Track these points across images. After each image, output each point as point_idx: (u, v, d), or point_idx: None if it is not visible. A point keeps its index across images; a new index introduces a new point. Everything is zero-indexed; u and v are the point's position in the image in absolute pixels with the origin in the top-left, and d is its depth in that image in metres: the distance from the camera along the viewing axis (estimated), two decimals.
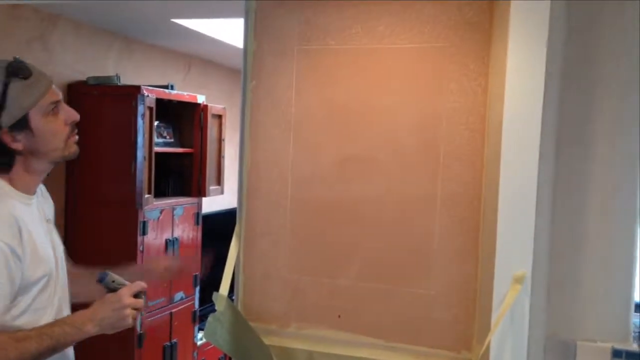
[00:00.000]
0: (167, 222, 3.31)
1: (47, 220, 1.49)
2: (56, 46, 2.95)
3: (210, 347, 3.70)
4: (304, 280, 1.65)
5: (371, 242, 1.59)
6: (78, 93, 3.03)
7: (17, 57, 1.39)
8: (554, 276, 1.46)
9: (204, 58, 4.16)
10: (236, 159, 2.18)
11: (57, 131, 1.40)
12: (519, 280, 1.33)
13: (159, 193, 3.31)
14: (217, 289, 1.62)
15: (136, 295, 1.39)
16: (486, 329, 1.38)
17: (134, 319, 1.38)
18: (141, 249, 3.07)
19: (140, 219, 3.05)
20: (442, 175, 1.53)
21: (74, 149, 1.45)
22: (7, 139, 1.33)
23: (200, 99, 3.50)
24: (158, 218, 3.21)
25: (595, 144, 1.45)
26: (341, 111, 1.60)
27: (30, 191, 1.42)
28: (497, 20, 1.45)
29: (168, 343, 3.36)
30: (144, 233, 3.08)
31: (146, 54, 3.65)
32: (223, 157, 3.72)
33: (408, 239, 1.56)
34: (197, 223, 3.58)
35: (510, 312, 1.33)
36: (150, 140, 3.05)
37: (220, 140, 3.69)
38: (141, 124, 2.96)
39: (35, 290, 1.35)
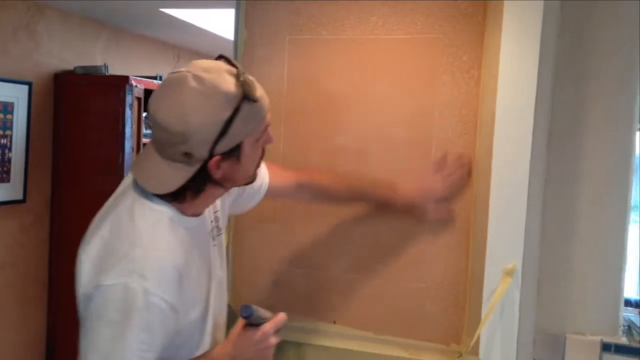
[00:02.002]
0: None
1: (213, 232, 1.30)
2: (43, 35, 2.91)
3: None
4: (293, 273, 1.64)
5: (362, 234, 1.58)
6: (65, 83, 2.99)
7: (241, 70, 1.12)
8: (544, 270, 1.47)
9: (192, 49, 4.13)
10: None
11: (257, 157, 1.21)
12: (509, 273, 1.33)
13: None
14: None
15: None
16: (476, 321, 1.38)
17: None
18: None
19: None
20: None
21: (255, 176, 1.26)
22: (213, 167, 1.13)
23: None
24: None
25: (587, 138, 1.45)
26: (333, 102, 1.59)
27: (198, 213, 1.24)
28: (490, 13, 1.44)
29: None
30: None
31: (134, 44, 3.61)
32: None
33: (399, 231, 1.55)
34: None
35: (500, 305, 1.33)
36: (139, 131, 3.02)
37: None
38: (129, 115, 2.93)
39: (185, 332, 1.19)
